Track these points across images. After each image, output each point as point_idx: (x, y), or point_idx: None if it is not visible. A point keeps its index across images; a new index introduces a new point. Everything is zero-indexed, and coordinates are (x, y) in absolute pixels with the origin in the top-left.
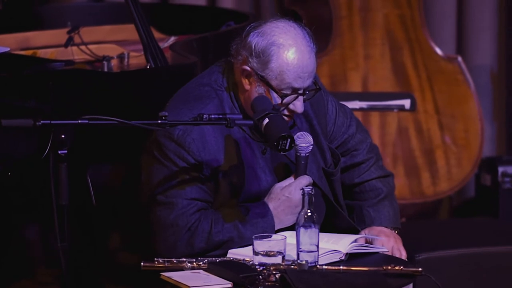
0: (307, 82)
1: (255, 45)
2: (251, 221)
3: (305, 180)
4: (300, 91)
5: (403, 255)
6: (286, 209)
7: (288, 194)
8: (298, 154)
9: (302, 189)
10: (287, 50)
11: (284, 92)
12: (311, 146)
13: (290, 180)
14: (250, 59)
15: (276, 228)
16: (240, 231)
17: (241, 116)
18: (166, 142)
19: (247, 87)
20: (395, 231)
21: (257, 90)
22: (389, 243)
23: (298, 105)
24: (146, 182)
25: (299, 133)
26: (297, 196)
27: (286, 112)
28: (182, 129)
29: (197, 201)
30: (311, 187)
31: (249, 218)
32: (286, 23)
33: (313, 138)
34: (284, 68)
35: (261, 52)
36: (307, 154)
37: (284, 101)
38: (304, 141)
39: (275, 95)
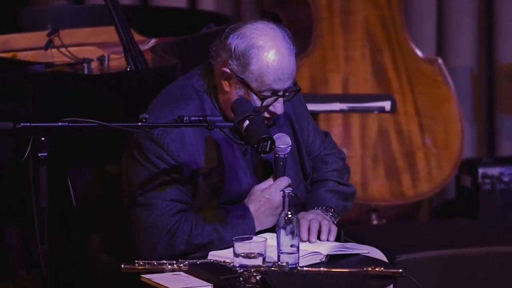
0: (287, 84)
1: (234, 47)
2: (231, 223)
3: (284, 181)
4: (280, 93)
5: (332, 230)
6: (267, 211)
7: (269, 196)
8: (277, 155)
9: (282, 190)
10: (267, 52)
11: (264, 94)
12: (290, 147)
13: (269, 181)
14: (230, 61)
15: (256, 230)
16: (220, 234)
17: (221, 118)
18: (146, 143)
19: (227, 89)
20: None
21: (237, 92)
22: (310, 215)
23: (278, 107)
24: (126, 183)
25: (278, 134)
26: (277, 197)
27: (266, 114)
28: (162, 129)
29: (177, 203)
30: (291, 189)
31: (229, 220)
32: (265, 24)
33: (294, 147)
34: (264, 70)
35: (241, 54)
36: (285, 155)
37: (264, 103)
38: (283, 142)
39: (255, 97)
